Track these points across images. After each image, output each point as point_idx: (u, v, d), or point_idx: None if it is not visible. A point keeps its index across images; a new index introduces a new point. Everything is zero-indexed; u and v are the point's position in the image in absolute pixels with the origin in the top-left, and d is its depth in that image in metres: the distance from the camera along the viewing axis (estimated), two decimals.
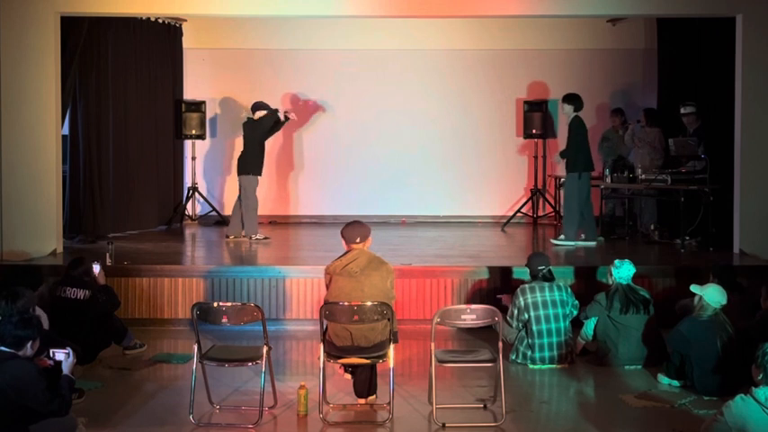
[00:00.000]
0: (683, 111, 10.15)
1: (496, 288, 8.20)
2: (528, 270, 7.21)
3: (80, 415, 5.34)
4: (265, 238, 10.36)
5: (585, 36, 12.19)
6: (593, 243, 9.96)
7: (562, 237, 10.08)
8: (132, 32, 11.29)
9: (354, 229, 6.04)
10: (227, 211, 12.20)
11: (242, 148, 10.52)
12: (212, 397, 5.96)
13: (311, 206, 12.49)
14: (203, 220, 12.17)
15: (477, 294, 8.18)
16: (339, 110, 12.40)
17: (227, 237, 10.43)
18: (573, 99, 10.06)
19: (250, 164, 10.38)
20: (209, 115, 12.19)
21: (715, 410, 4.92)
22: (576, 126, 10.00)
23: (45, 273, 7.98)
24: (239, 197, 10.46)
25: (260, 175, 10.49)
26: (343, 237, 6.05)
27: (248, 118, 10.58)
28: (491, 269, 8.32)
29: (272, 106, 10.70)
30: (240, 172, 10.43)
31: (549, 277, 7.12)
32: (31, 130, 9.03)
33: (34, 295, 6.13)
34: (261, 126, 10.46)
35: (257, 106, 10.53)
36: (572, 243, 9.92)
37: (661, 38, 11.43)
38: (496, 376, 5.84)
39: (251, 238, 10.33)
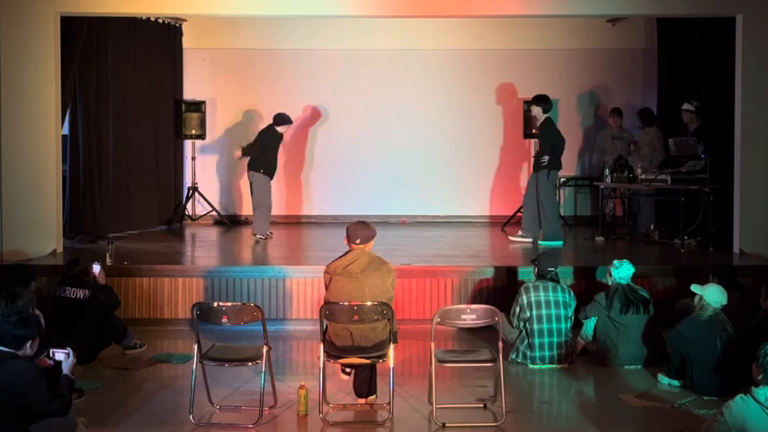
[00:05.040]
0: (683, 107, 10.17)
1: (497, 288, 8.21)
2: (535, 269, 7.21)
3: (80, 415, 5.35)
4: (266, 237, 10.38)
5: (585, 36, 12.19)
6: (530, 240, 10.07)
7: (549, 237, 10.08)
8: (132, 32, 11.28)
9: (358, 229, 6.03)
10: (230, 211, 12.25)
11: (258, 150, 10.47)
12: (212, 397, 5.97)
13: (311, 206, 12.49)
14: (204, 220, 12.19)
15: (478, 294, 8.19)
16: (339, 110, 12.40)
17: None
18: (542, 100, 10.16)
19: (264, 165, 10.36)
20: (209, 115, 12.18)
21: (715, 410, 4.93)
22: (549, 127, 10.10)
23: (44, 272, 7.99)
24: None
25: (271, 178, 10.52)
26: (347, 234, 6.05)
27: (270, 126, 10.51)
28: (494, 269, 8.32)
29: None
30: (250, 167, 10.41)
31: (555, 279, 7.12)
32: (30, 130, 9.02)
33: (33, 295, 6.13)
34: (276, 138, 10.49)
35: (282, 120, 10.47)
36: (557, 243, 9.95)
37: (661, 38, 11.43)
38: (496, 376, 5.84)
39: (255, 236, 10.38)
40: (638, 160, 10.68)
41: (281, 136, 10.54)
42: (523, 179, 12.38)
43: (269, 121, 10.70)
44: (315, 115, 12.47)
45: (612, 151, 11.23)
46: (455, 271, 8.38)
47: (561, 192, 12.12)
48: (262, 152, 10.43)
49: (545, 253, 7.50)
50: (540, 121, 10.17)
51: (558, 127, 10.28)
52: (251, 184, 10.50)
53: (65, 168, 10.04)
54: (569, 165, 12.43)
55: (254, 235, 10.40)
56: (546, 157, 9.96)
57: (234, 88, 12.39)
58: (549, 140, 10.02)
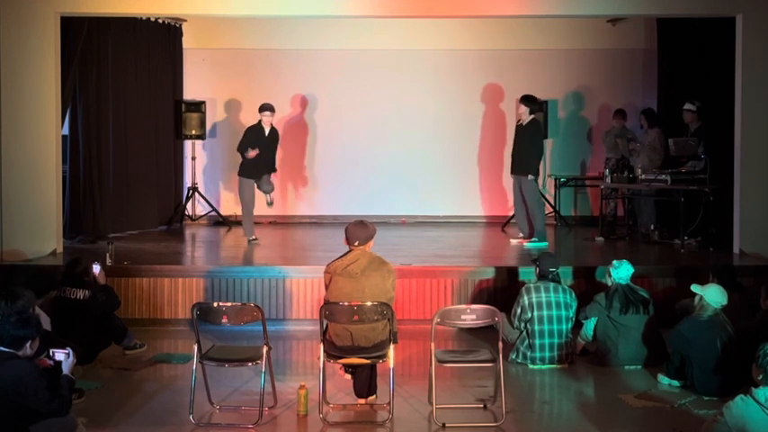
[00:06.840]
0: (684, 107, 10.17)
1: (498, 288, 8.21)
2: (536, 269, 7.21)
3: (80, 415, 5.34)
4: (254, 239, 10.23)
5: (585, 36, 12.19)
6: (545, 244, 9.94)
7: (535, 239, 9.98)
8: (132, 32, 11.29)
9: (357, 230, 6.00)
10: (227, 211, 12.23)
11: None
12: (212, 397, 5.97)
13: (311, 206, 12.49)
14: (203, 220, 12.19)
15: (478, 294, 8.19)
16: (339, 110, 12.40)
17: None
18: (530, 101, 10.13)
19: (241, 166, 10.13)
20: (208, 115, 12.18)
21: (715, 410, 4.92)
22: (535, 129, 10.08)
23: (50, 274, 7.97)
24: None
25: (250, 178, 10.13)
26: (345, 235, 6.04)
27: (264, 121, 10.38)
28: (494, 269, 8.32)
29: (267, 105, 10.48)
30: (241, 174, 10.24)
31: (557, 279, 7.12)
32: (30, 130, 9.03)
33: (34, 296, 6.12)
34: (254, 132, 10.13)
35: (261, 108, 10.17)
36: (544, 244, 9.89)
37: (661, 38, 11.43)
38: (496, 376, 5.84)
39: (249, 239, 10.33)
40: (638, 160, 10.68)
41: (260, 128, 10.04)
42: None
43: None
44: (315, 115, 12.46)
45: (616, 150, 11.23)
46: (455, 271, 8.38)
47: (560, 192, 12.13)
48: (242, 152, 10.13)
49: (546, 253, 7.50)
50: (527, 121, 10.09)
51: (542, 130, 10.36)
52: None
53: (65, 168, 10.05)
54: (570, 165, 12.45)
55: (250, 239, 10.31)
56: (531, 177, 9.93)
57: (234, 88, 12.39)
58: (536, 143, 10.00)
